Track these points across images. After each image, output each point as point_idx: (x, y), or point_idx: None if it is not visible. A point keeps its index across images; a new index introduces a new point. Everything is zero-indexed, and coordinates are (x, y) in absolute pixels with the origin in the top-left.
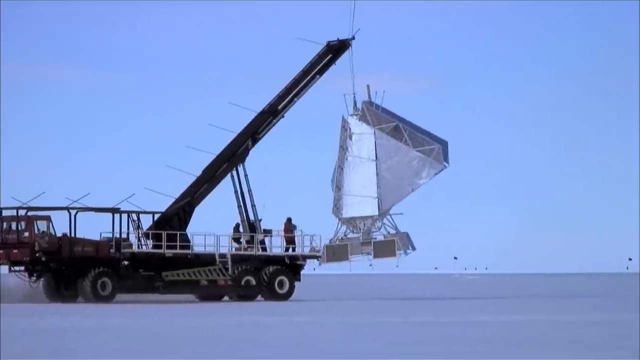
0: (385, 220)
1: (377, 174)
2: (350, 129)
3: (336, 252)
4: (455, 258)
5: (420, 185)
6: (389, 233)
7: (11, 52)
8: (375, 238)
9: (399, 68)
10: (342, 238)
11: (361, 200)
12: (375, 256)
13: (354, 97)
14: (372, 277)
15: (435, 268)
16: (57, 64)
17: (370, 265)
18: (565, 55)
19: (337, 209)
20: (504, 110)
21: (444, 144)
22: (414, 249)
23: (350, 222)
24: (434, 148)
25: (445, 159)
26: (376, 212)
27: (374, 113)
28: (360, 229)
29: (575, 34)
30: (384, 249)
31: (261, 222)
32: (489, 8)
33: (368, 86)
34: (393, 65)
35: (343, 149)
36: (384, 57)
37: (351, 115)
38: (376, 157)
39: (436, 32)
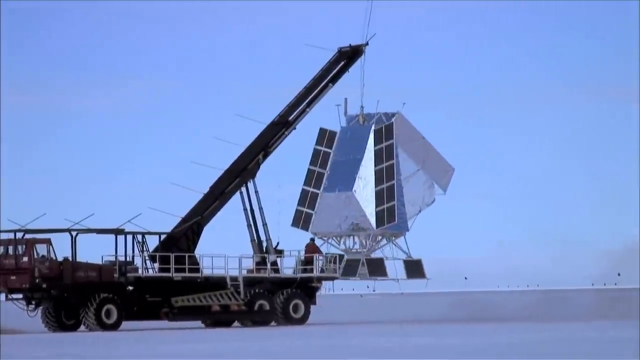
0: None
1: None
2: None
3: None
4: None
5: (425, 208)
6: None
7: (12, 73)
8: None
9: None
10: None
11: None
12: (370, 275)
13: (362, 108)
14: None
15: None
16: (55, 82)
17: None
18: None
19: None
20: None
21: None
22: (424, 277)
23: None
24: (449, 171)
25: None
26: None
27: (404, 127)
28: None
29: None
30: (377, 269)
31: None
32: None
33: (346, 100)
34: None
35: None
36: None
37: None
38: (400, 173)
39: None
